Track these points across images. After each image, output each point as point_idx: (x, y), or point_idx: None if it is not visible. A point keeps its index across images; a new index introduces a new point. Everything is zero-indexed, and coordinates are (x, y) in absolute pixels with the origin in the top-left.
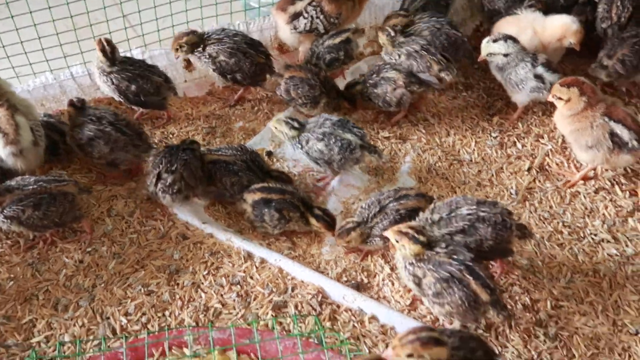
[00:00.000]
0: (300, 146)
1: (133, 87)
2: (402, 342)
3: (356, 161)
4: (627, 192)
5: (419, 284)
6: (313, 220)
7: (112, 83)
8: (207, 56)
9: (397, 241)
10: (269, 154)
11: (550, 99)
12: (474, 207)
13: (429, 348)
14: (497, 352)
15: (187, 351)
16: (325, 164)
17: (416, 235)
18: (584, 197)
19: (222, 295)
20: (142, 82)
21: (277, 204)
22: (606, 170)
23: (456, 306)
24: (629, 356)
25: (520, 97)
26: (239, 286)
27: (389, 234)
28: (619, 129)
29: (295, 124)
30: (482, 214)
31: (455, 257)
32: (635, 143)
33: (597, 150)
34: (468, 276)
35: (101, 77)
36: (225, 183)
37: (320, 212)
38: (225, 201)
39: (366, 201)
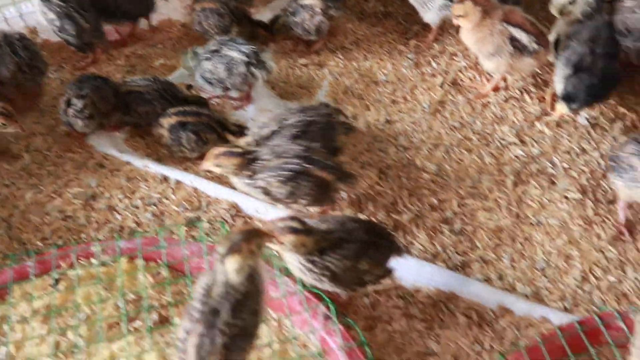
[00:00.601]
0: (198, 71)
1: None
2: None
3: (244, 78)
4: (536, 99)
5: (268, 194)
6: (230, 136)
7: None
8: None
9: (217, 165)
10: (189, 87)
11: (454, 22)
12: (301, 114)
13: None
14: (400, 246)
15: (94, 261)
16: (219, 84)
17: (232, 149)
18: (494, 106)
19: (137, 215)
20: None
21: (193, 127)
22: (517, 80)
23: (309, 196)
24: (530, 244)
25: (431, 16)
26: (154, 207)
27: (206, 165)
28: (518, 33)
29: (194, 52)
30: (309, 118)
31: (286, 155)
32: (535, 45)
33: (499, 57)
34: (308, 165)
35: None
36: (140, 112)
37: (236, 128)
38: (144, 132)
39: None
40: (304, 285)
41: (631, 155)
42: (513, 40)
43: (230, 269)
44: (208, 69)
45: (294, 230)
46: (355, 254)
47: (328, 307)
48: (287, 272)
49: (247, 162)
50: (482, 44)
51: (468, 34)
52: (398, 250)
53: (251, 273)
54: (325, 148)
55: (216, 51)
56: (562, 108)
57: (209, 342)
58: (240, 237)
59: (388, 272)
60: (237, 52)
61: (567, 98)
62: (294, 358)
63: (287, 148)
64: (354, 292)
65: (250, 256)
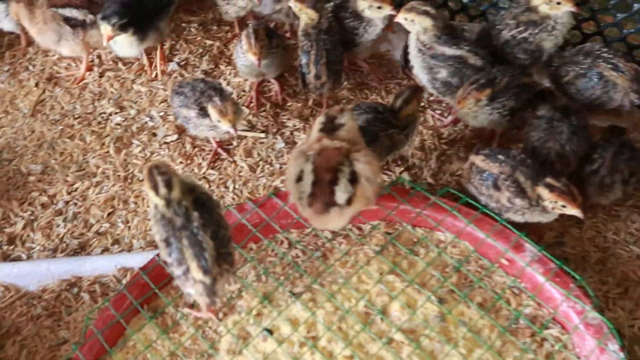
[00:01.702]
0: None
1: None
2: None
3: None
4: (130, 64)
5: None
6: None
7: None
8: None
9: None
10: None
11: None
12: None
13: None
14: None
15: None
16: None
17: None
18: (92, 85)
19: None
20: None
21: None
22: (109, 52)
23: None
24: (142, 200)
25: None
26: None
27: None
28: (69, 12)
29: None
30: None
31: None
32: (90, 16)
33: (66, 40)
34: None
35: None
36: None
37: None
38: None
39: None
40: None
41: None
42: (68, 20)
43: None
44: None
45: None
46: None
47: None
48: None
49: None
50: (45, 37)
51: (31, 31)
52: None
53: None
54: None
55: None
56: (104, 30)
57: None
58: None
59: None
60: None
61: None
62: None
63: None
64: None
65: None
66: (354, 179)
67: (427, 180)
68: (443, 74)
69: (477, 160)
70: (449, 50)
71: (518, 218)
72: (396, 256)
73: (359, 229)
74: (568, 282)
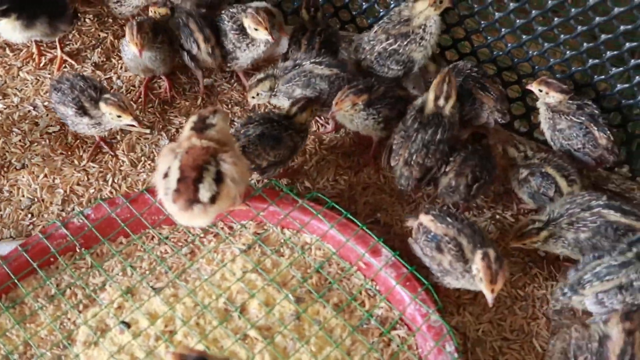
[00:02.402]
0: None
1: None
2: None
3: None
4: (17, 51)
5: None
6: None
7: None
8: None
9: None
10: None
11: None
12: None
13: None
14: None
15: None
16: None
17: None
18: None
19: None
20: None
21: None
22: None
23: None
24: (17, 188)
25: None
26: None
27: None
28: None
29: None
30: None
31: None
32: None
33: None
34: None
35: None
36: None
37: None
38: None
39: None
40: None
41: None
42: None
43: None
44: None
45: None
46: None
47: None
48: None
49: None
50: None
51: None
52: None
53: None
54: None
55: None
56: None
57: None
58: None
59: None
60: None
61: None
62: None
63: None
64: None
65: None
66: (219, 179)
67: (305, 184)
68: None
69: (426, 219)
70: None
71: (455, 283)
72: (262, 256)
73: (230, 228)
74: (417, 286)
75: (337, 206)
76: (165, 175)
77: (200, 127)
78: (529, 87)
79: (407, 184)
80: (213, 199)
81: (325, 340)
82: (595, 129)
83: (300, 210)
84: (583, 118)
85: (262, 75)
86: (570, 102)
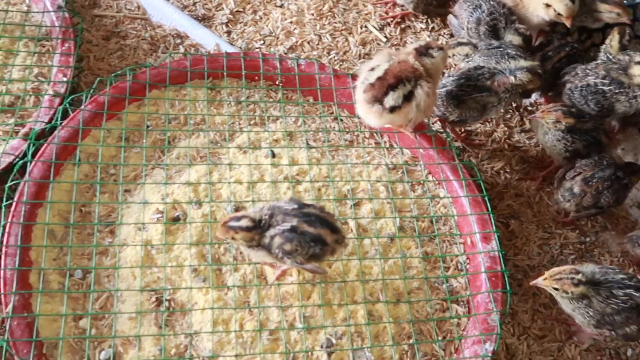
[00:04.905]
0: None
1: None
2: None
3: None
4: None
5: None
6: None
7: None
8: None
9: None
10: None
11: None
12: None
13: None
14: None
15: None
16: None
17: None
18: None
19: None
20: None
21: None
22: None
23: None
24: (267, 18)
25: None
26: None
27: None
28: None
29: None
30: None
31: None
32: None
33: None
34: None
35: None
36: None
37: None
38: None
39: None
40: None
41: None
42: None
43: None
44: None
45: None
46: None
47: None
48: None
49: None
50: None
51: None
52: None
53: None
54: None
55: None
56: None
57: None
58: None
59: None
60: None
61: None
62: None
63: None
64: None
65: None
66: (408, 97)
67: (470, 158)
68: None
69: None
70: None
71: None
72: (398, 180)
73: (391, 145)
74: (499, 285)
75: (482, 185)
76: (372, 69)
77: (422, 52)
78: None
79: (570, 200)
80: (392, 109)
81: (399, 269)
82: None
83: (451, 169)
84: None
85: (464, 39)
86: None
